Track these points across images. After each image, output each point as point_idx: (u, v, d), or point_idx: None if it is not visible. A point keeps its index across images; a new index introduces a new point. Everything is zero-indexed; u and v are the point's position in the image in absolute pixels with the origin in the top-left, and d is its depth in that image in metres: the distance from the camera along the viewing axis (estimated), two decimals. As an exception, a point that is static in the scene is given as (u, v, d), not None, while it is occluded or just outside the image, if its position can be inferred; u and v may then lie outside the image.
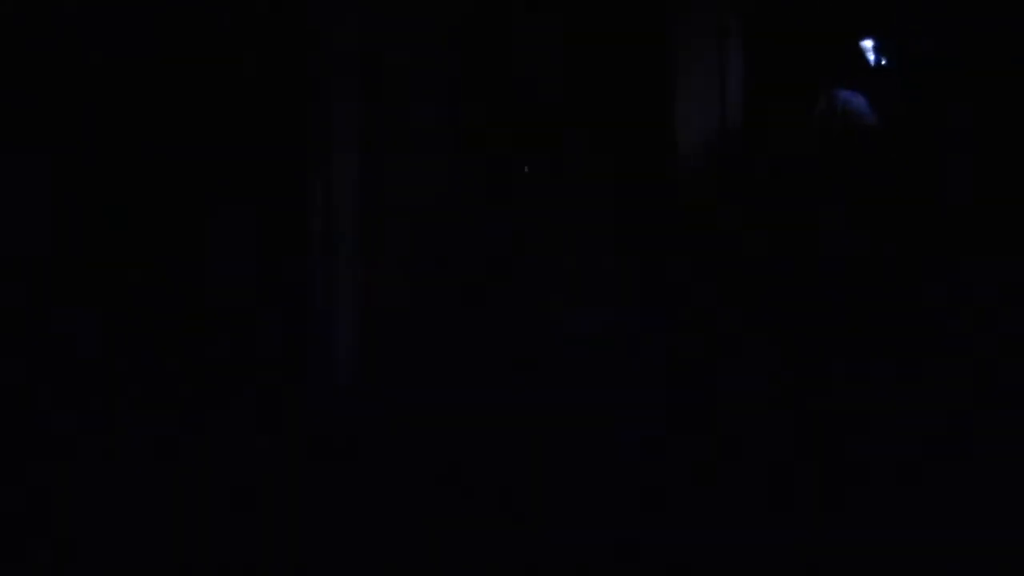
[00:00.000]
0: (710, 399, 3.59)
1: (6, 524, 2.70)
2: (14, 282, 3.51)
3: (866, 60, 4.10)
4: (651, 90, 4.19)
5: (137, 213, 3.70)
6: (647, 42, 4.21)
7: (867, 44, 4.14)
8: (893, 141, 4.01)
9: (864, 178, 3.97)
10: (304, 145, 3.88)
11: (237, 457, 3.21)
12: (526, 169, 4.13)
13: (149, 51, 3.68)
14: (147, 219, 3.71)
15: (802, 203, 4.03)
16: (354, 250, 3.89)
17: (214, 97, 3.77)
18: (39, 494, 2.89)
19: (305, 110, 3.88)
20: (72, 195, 3.60)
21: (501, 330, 3.93)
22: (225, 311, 3.73)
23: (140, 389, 3.54)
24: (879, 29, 4.13)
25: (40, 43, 3.52)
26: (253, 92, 3.82)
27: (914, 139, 4.01)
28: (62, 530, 2.67)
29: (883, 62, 4.10)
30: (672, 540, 2.59)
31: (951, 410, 3.33)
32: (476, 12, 4.07)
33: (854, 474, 2.97)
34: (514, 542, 2.61)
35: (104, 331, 3.59)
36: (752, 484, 2.95)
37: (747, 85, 4.24)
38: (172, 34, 3.70)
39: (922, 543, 2.48)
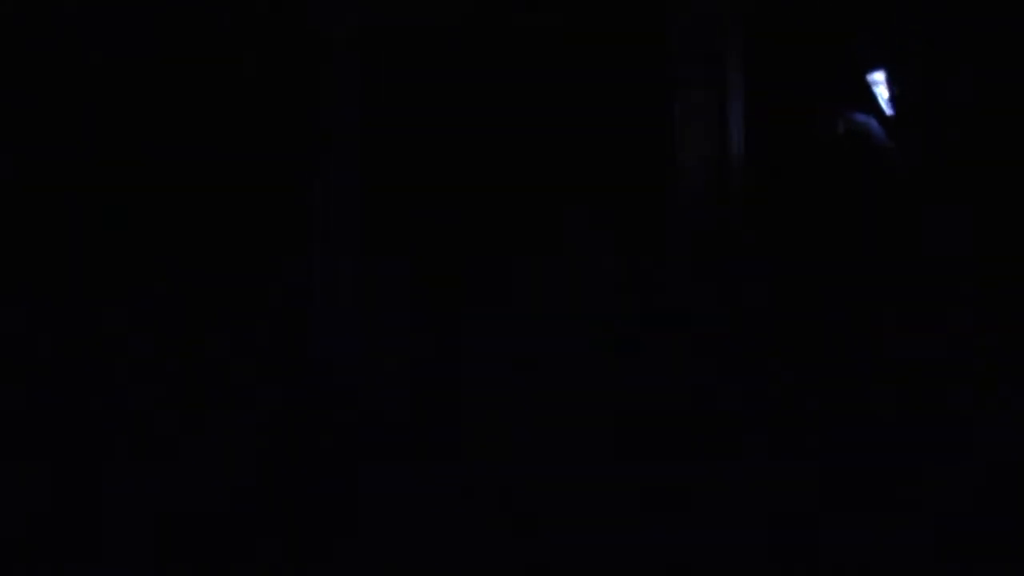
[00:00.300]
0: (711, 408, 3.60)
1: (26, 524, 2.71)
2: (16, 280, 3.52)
3: (874, 93, 4.14)
4: (651, 97, 4.20)
5: (136, 213, 3.70)
6: (647, 42, 4.21)
7: (878, 76, 4.17)
8: (908, 167, 4.05)
9: (878, 201, 4.01)
10: (305, 145, 3.88)
11: (236, 457, 3.22)
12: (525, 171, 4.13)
13: (149, 51, 3.68)
14: (147, 218, 3.71)
15: (811, 223, 4.06)
16: (354, 250, 3.90)
17: (213, 97, 3.77)
18: (53, 492, 2.90)
19: (305, 110, 3.89)
20: (70, 194, 3.60)
21: (504, 332, 3.93)
22: (225, 311, 3.73)
23: (140, 388, 3.54)
24: (890, 58, 4.15)
25: (40, 43, 3.52)
26: (253, 92, 3.82)
27: (927, 166, 4.05)
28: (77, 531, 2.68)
29: (895, 91, 4.12)
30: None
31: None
32: (476, 12, 4.07)
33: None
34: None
35: (104, 328, 3.59)
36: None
37: (749, 104, 4.25)
38: (171, 34, 3.69)
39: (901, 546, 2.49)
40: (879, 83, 4.07)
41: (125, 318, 3.61)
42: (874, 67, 4.08)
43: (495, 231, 4.10)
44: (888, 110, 4.04)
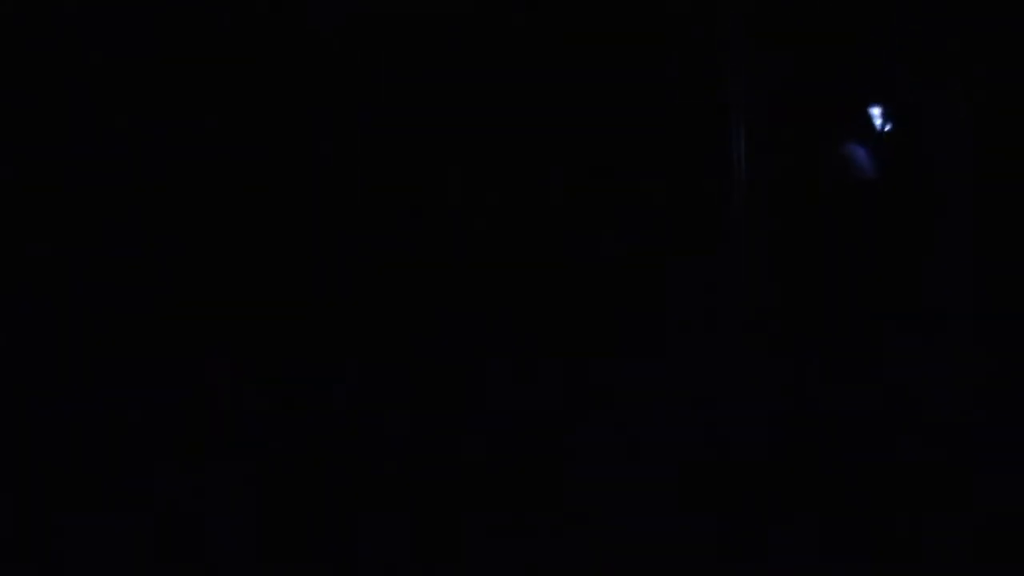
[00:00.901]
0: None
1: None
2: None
3: (872, 123, 4.25)
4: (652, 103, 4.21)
5: (135, 212, 3.72)
6: (650, 43, 4.21)
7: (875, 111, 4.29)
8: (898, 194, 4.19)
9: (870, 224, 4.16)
10: (302, 146, 3.89)
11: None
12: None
13: (149, 51, 3.68)
14: (143, 217, 3.73)
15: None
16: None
17: (211, 97, 3.78)
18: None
19: (304, 110, 3.90)
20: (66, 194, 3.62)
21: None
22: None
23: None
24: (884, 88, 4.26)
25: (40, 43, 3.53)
26: (253, 92, 3.83)
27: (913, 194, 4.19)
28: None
29: (888, 126, 4.25)
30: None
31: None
32: (476, 12, 4.06)
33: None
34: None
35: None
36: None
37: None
38: (170, 34, 3.70)
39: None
40: (877, 116, 4.24)
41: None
42: (874, 100, 4.25)
43: (493, 229, 4.10)
44: (881, 137, 4.21)
